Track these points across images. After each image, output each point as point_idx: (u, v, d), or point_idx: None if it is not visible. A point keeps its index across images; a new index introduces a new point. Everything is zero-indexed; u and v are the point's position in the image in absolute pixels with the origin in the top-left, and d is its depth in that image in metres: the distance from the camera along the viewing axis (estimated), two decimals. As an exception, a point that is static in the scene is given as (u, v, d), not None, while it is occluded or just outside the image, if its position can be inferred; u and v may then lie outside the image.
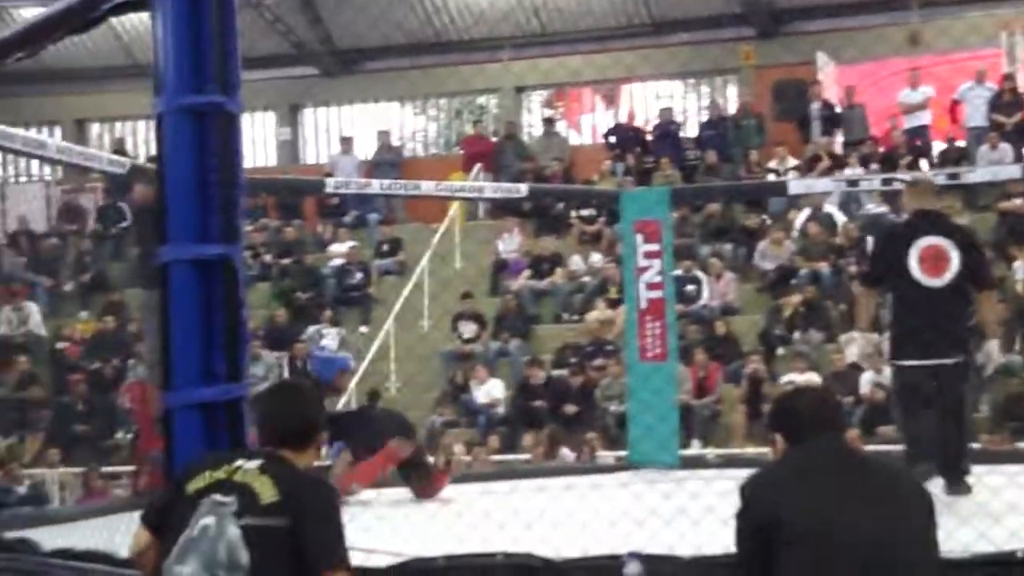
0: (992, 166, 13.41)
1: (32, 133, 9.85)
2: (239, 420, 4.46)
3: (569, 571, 4.12)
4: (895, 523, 3.26)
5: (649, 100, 20.15)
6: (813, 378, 13.66)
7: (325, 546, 3.34)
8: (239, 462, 3.47)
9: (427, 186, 9.13)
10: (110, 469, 13.79)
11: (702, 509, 3.82)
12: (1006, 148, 15.76)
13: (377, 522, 4.77)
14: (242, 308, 4.51)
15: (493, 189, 10.21)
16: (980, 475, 4.94)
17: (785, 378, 13.60)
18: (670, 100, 19.90)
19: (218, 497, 3.36)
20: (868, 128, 17.32)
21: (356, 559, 4.34)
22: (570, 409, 14.11)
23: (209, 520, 3.32)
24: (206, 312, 4.41)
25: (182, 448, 4.42)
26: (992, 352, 7.77)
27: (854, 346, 14.17)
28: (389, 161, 19.27)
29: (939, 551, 3.37)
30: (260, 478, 3.39)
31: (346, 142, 19.74)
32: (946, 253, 6.50)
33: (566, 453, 12.82)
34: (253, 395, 4.09)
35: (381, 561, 4.40)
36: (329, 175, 17.30)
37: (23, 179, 21.39)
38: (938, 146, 17.00)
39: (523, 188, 10.33)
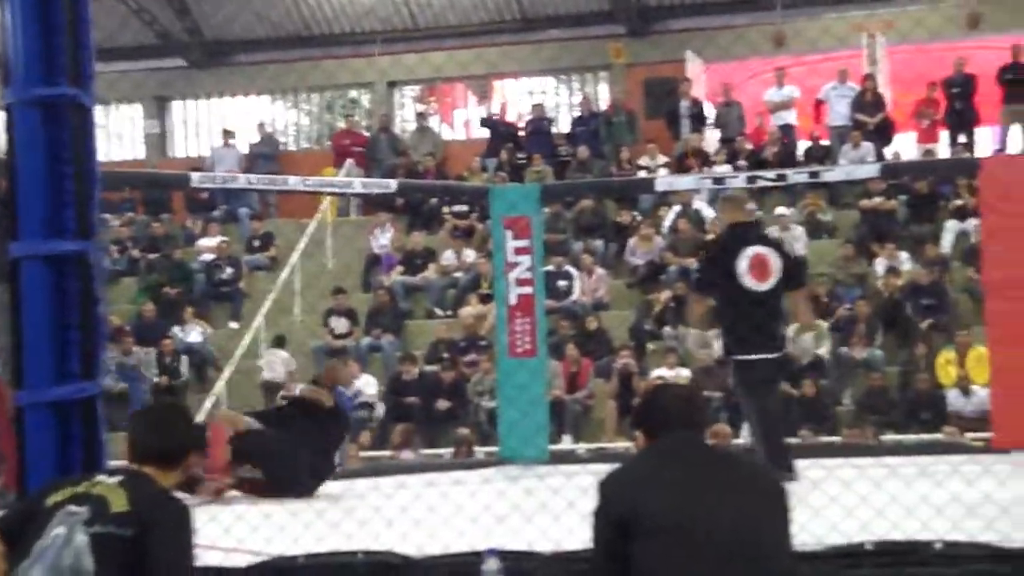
0: (853, 164, 13.70)
1: None
2: (94, 418, 4.39)
3: (429, 568, 4.12)
4: (751, 516, 3.30)
5: (521, 96, 20.21)
6: (683, 373, 13.87)
7: (168, 561, 3.36)
8: (100, 477, 3.51)
9: (295, 181, 9.04)
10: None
11: (564, 504, 3.82)
12: (868, 146, 16.14)
13: (236, 521, 4.71)
14: (98, 305, 4.44)
15: (363, 184, 10.16)
16: (833, 468, 5.04)
17: (655, 373, 13.76)
18: (542, 96, 19.99)
19: (72, 508, 3.38)
20: (744, 125, 17.59)
21: (215, 559, 4.31)
22: (442, 405, 14.10)
23: (60, 529, 3.34)
24: (60, 309, 4.33)
25: (35, 446, 4.34)
26: (807, 345, 8.42)
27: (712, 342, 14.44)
28: (267, 154, 19.07)
29: (792, 543, 3.42)
30: (115, 490, 3.42)
31: (228, 135, 19.45)
32: (769, 260, 7.32)
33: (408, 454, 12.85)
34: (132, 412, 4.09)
35: (241, 561, 4.34)
36: (198, 168, 17.07)
37: None
38: (803, 144, 17.33)
39: (393, 184, 10.28)
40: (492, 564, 3.56)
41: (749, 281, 7.29)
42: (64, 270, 4.31)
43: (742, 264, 7.28)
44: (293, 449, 7.46)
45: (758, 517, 3.31)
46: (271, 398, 14.89)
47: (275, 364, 14.98)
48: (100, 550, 3.30)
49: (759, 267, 7.28)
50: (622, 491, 3.32)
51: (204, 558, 3.96)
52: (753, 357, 7.20)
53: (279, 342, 15.39)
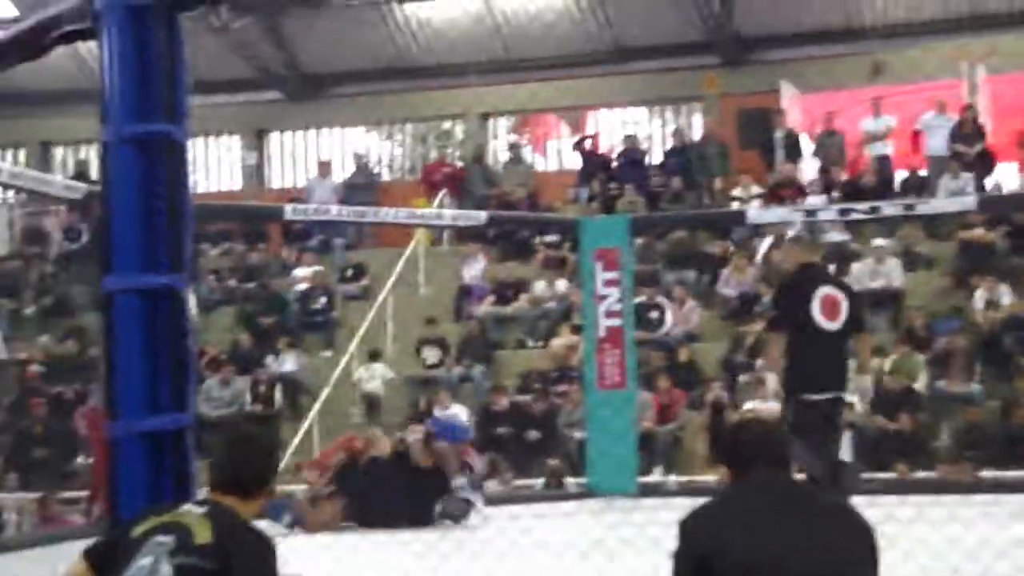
0: (951, 197, 13.50)
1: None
2: (184, 449, 4.45)
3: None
4: (836, 558, 3.24)
5: (614, 127, 20.21)
6: (775, 407, 13.70)
7: None
8: (186, 507, 3.52)
9: (386, 212, 9.13)
10: (68, 495, 13.66)
11: (648, 540, 3.79)
12: (967, 177, 15.87)
13: (322, 550, 4.74)
14: (188, 338, 4.50)
15: (453, 216, 10.21)
16: (923, 506, 4.94)
17: (747, 405, 13.63)
18: (635, 127, 19.97)
19: (158, 538, 3.39)
20: (845, 155, 17.42)
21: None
22: (532, 435, 14.09)
23: (146, 560, 3.35)
24: (151, 341, 4.39)
25: (127, 477, 4.40)
26: (867, 387, 8.66)
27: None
28: (364, 185, 19.28)
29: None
30: (201, 521, 3.42)
31: (323, 166, 19.73)
32: (840, 301, 7.52)
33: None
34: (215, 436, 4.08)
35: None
36: (295, 199, 17.31)
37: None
38: (900, 175, 17.11)
39: (483, 215, 10.33)
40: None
41: (822, 321, 7.45)
42: (156, 303, 4.38)
43: (815, 304, 7.44)
44: (389, 499, 7.58)
45: (843, 560, 3.25)
46: (371, 412, 15.26)
47: (373, 377, 15.29)
48: None
49: (831, 307, 7.49)
50: (703, 531, 3.27)
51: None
52: (819, 397, 7.35)
53: (375, 356, 15.58)
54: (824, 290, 7.52)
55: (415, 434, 8.59)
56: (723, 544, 3.20)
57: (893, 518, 4.47)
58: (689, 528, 3.31)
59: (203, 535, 3.37)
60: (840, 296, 7.57)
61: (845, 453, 12.67)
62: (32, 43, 4.96)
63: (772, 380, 7.89)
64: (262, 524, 6.45)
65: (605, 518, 5.54)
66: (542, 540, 4.82)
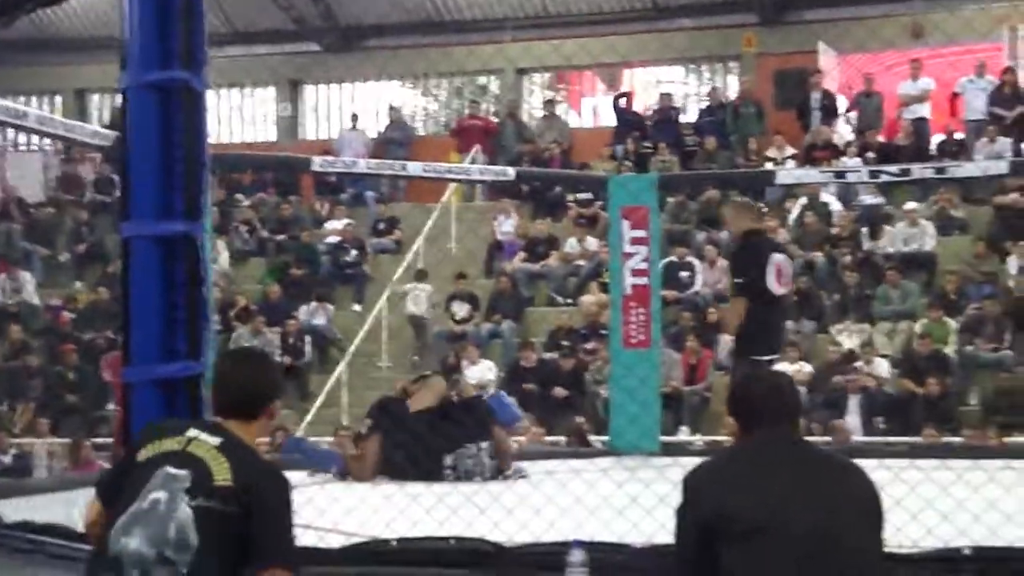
0: (988, 160, 13.35)
1: (17, 103, 9.81)
2: (198, 397, 4.48)
3: (518, 557, 4.13)
4: (842, 518, 3.21)
5: (650, 85, 20.09)
6: (805, 368, 13.70)
7: (273, 542, 3.27)
8: (194, 432, 3.39)
9: (414, 167, 9.12)
10: (99, 440, 13.80)
11: (655, 498, 3.79)
12: (1005, 142, 15.72)
13: (332, 503, 4.78)
14: (204, 286, 4.52)
15: (480, 171, 10.19)
16: (927, 470, 4.94)
17: (776, 367, 13.58)
18: (671, 85, 19.85)
19: (171, 470, 3.29)
20: (882, 117, 17.27)
21: (310, 539, 4.38)
22: (560, 392, 14.12)
23: (160, 494, 3.26)
24: (167, 289, 4.41)
25: (140, 423, 4.42)
26: None
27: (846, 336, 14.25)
28: (397, 139, 19.28)
29: (882, 548, 3.34)
30: (217, 457, 3.31)
31: (355, 118, 19.74)
32: (788, 268, 7.95)
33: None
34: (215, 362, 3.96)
35: (335, 542, 4.40)
36: (329, 152, 17.34)
37: (22, 148, 21.33)
38: (937, 138, 16.95)
39: (512, 171, 10.28)
40: (577, 555, 3.55)
41: (775, 286, 7.80)
42: (172, 251, 4.40)
43: (770, 270, 7.75)
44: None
45: (848, 522, 3.22)
46: (418, 332, 15.57)
47: (420, 298, 15.62)
48: (202, 523, 3.21)
49: (781, 274, 7.85)
50: (709, 492, 3.24)
51: (300, 538, 4.02)
52: (767, 359, 7.84)
53: (422, 276, 15.68)
54: (777, 257, 7.88)
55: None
56: (728, 507, 3.16)
57: (900, 481, 4.46)
58: (693, 486, 3.28)
59: (221, 475, 3.27)
60: (788, 263, 7.98)
61: (852, 416, 12.90)
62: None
63: (727, 342, 8.01)
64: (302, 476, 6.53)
65: (616, 475, 5.56)
66: (549, 496, 4.83)
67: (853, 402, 13.13)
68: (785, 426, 3.39)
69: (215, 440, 3.35)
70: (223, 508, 3.23)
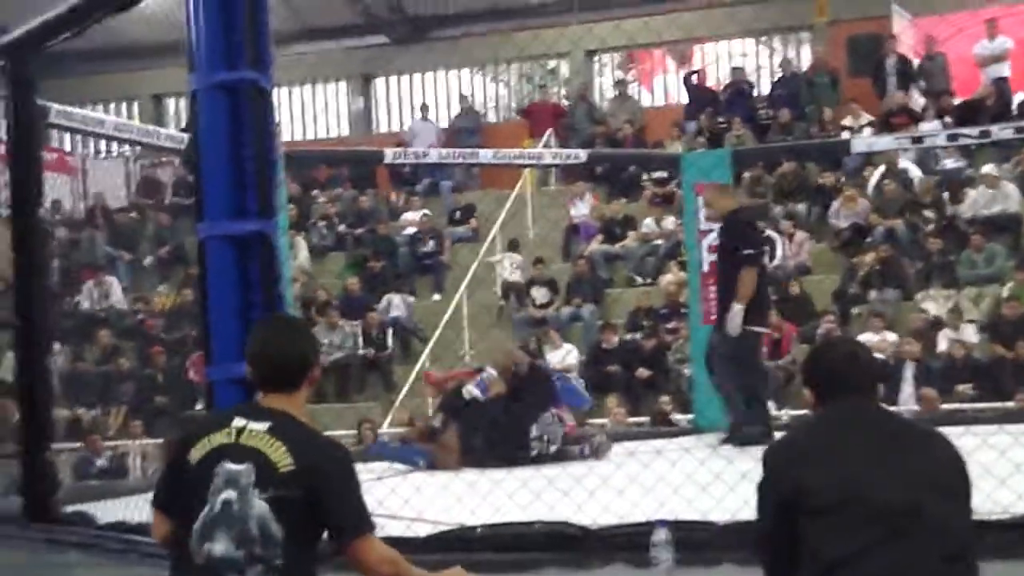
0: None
1: (96, 111, 9.97)
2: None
3: (604, 539, 4.13)
4: (924, 489, 3.15)
5: (722, 59, 19.93)
6: (889, 337, 13.55)
7: (350, 514, 3.28)
8: (240, 422, 3.32)
9: (485, 154, 9.14)
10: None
11: (738, 475, 3.77)
12: (1088, 98, 15.40)
13: (415, 492, 4.81)
14: (279, 283, 4.56)
15: (552, 155, 10.16)
16: (1017, 435, 4.86)
17: (861, 338, 13.43)
18: (743, 59, 19.67)
19: (230, 466, 3.25)
20: (950, 78, 17.00)
21: (396, 529, 4.41)
22: (643, 373, 14.08)
23: (229, 494, 3.23)
24: (243, 288, 4.45)
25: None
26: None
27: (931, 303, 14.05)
28: (469, 128, 19.32)
29: (971, 515, 3.27)
30: (272, 444, 3.27)
31: (424, 109, 19.83)
32: (777, 242, 7.73)
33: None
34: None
35: (421, 530, 4.42)
36: (402, 144, 17.42)
37: (103, 155, 21.68)
38: (1019, 97, 16.63)
39: (583, 154, 10.27)
40: (661, 535, 3.55)
41: (767, 260, 8.50)
42: (247, 249, 4.44)
43: (778, 241, 8.14)
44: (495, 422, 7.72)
45: (930, 493, 3.16)
46: (511, 299, 15.76)
47: (513, 266, 15.92)
48: (279, 514, 3.19)
49: (772, 248, 8.46)
50: (789, 467, 3.19)
51: (386, 528, 4.06)
52: (762, 330, 8.36)
53: (513, 246, 15.83)
54: (768, 232, 8.18)
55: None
56: (809, 481, 3.11)
57: (989, 446, 4.40)
58: (774, 464, 3.24)
59: (283, 461, 3.23)
60: (776, 237, 8.27)
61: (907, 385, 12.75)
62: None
63: (740, 312, 7.92)
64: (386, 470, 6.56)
65: (698, 453, 5.56)
66: (632, 476, 4.83)
67: (908, 371, 12.90)
68: (863, 394, 3.32)
69: (264, 425, 3.29)
70: (293, 494, 3.21)
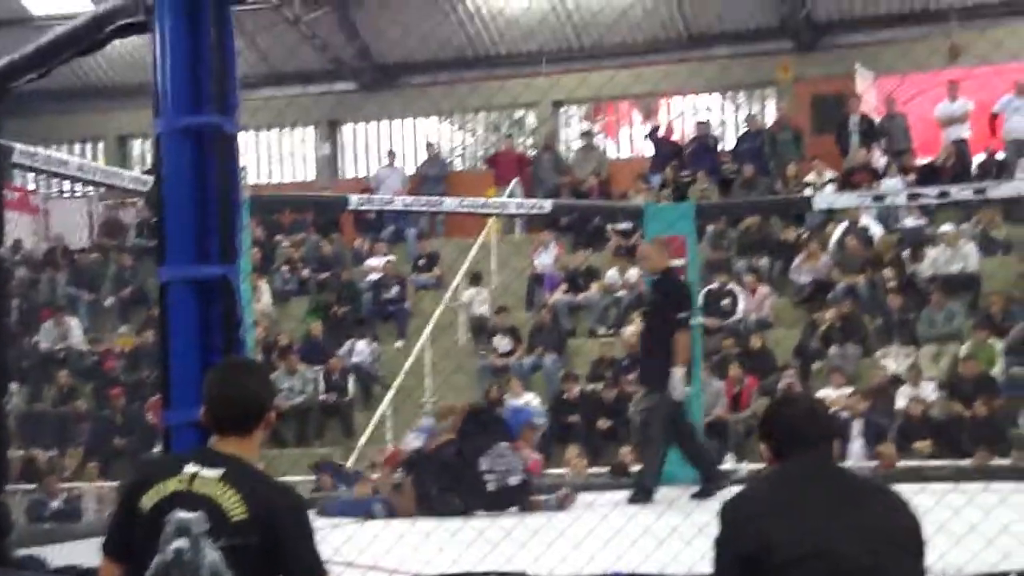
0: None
1: (61, 151, 9.95)
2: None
3: (560, 591, 4.12)
4: (883, 547, 3.15)
5: (687, 113, 20.10)
6: (847, 392, 13.62)
7: (303, 563, 3.26)
8: (192, 468, 3.29)
9: (450, 202, 9.17)
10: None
11: (695, 528, 3.77)
12: (1047, 160, 15.60)
13: (373, 540, 4.78)
14: (240, 328, 4.54)
15: (517, 205, 10.21)
16: (973, 494, 4.89)
17: (821, 393, 13.51)
18: (708, 113, 19.84)
19: (183, 515, 3.21)
20: (910, 138, 17.20)
21: (352, 577, 4.39)
22: (603, 424, 14.08)
23: (181, 543, 3.20)
24: (204, 332, 4.44)
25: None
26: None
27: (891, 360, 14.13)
28: (434, 176, 19.37)
29: (924, 574, 3.28)
30: (225, 492, 3.24)
31: (391, 156, 19.88)
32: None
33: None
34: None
35: (376, 579, 4.40)
36: (368, 190, 17.45)
37: (67, 195, 21.60)
38: (978, 158, 16.84)
39: (548, 204, 10.32)
40: (617, 588, 3.53)
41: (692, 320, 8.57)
42: (209, 293, 4.43)
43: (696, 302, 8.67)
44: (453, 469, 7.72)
45: (889, 551, 3.14)
46: (479, 336, 15.99)
47: (479, 300, 16.26)
48: (232, 562, 3.17)
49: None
50: (749, 522, 3.17)
51: (341, 576, 4.05)
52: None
53: (476, 279, 16.29)
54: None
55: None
56: (770, 540, 3.09)
57: (945, 505, 4.42)
58: (734, 517, 3.21)
59: (236, 510, 3.21)
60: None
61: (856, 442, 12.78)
62: (88, 37, 5.03)
63: (683, 376, 8.05)
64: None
65: (656, 507, 5.57)
66: (590, 528, 4.82)
67: (856, 428, 12.95)
68: (820, 451, 3.31)
69: (216, 472, 3.27)
70: (247, 542, 3.19)
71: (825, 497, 3.20)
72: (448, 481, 7.69)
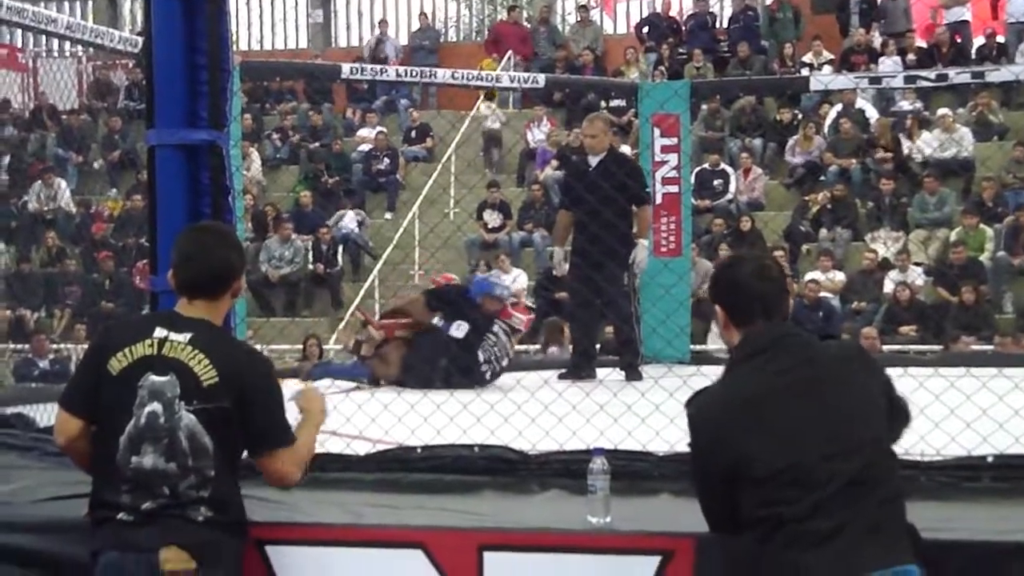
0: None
1: (49, 8, 9.78)
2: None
3: (542, 464, 4.16)
4: (860, 421, 3.00)
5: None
6: (837, 276, 13.67)
7: (270, 427, 3.31)
8: (162, 332, 3.31)
9: (443, 74, 9.05)
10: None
11: (679, 406, 3.78)
12: (1047, 45, 15.45)
13: (357, 411, 4.81)
14: (229, 194, 4.50)
15: (510, 79, 10.09)
16: (952, 379, 4.93)
17: (809, 275, 13.58)
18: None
19: (155, 378, 3.24)
20: (911, 20, 16.99)
21: (336, 446, 4.41)
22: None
23: (155, 407, 3.23)
24: (193, 197, 4.39)
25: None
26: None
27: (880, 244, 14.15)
28: (427, 46, 19.13)
29: (897, 434, 3.20)
30: (195, 356, 3.26)
31: (383, 24, 19.60)
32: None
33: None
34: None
35: (360, 448, 4.44)
36: (361, 58, 17.24)
37: (55, 54, 21.31)
38: (978, 41, 16.67)
39: (542, 78, 10.20)
40: (598, 463, 3.56)
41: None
42: (197, 159, 4.38)
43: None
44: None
45: (866, 423, 2.98)
46: (490, 150, 16.49)
47: (495, 116, 16.76)
48: (207, 425, 3.22)
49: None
50: (723, 440, 3.03)
51: (326, 445, 4.07)
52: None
53: (491, 96, 16.83)
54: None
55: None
56: (749, 451, 3.00)
57: (925, 389, 4.45)
58: (701, 425, 3.10)
59: (206, 374, 3.24)
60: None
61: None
62: None
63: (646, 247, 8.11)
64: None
65: (640, 384, 5.62)
66: (564, 404, 4.86)
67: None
68: (776, 315, 3.16)
69: (185, 336, 3.28)
70: (219, 406, 3.23)
71: (796, 392, 3.05)
72: (446, 364, 7.68)
